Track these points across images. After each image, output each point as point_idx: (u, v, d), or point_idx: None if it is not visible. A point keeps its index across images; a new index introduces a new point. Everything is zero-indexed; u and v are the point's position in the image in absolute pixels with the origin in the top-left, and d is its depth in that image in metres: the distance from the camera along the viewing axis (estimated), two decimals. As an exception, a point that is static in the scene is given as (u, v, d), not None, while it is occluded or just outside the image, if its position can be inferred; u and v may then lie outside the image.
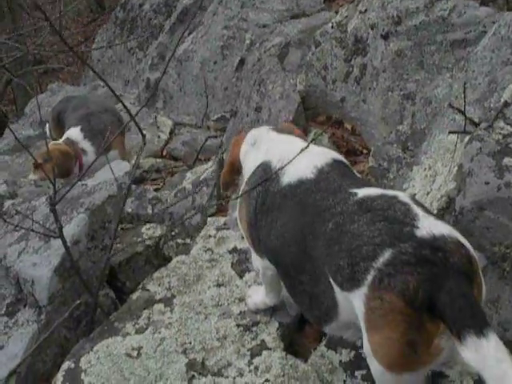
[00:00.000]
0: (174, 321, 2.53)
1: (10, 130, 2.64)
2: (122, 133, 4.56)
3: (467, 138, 2.42)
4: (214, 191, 3.77)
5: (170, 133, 5.79)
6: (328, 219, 1.84)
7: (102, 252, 2.86)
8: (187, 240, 3.19)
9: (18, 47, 3.93)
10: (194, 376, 2.29)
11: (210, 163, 4.18)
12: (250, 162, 2.40)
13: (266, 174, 2.17)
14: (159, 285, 2.76)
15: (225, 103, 5.62)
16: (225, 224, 3.12)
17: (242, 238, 2.81)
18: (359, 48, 3.97)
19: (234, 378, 2.28)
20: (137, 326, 2.53)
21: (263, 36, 5.44)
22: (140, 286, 2.79)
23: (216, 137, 5.26)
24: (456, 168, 2.36)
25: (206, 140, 5.07)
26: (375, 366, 1.70)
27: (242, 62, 5.55)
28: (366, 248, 1.66)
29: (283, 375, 2.26)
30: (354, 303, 1.70)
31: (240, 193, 2.36)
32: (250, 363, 2.32)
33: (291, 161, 2.04)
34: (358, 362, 2.27)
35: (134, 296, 2.73)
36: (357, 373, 2.25)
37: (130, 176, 2.55)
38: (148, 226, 3.30)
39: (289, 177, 2.09)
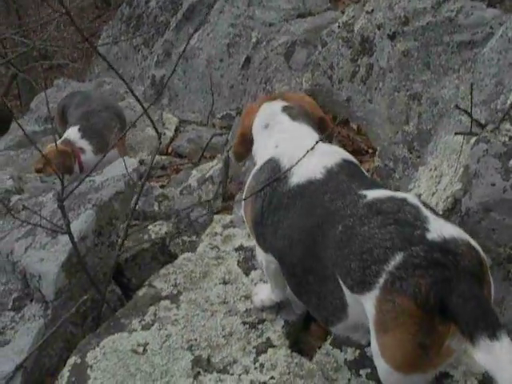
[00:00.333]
0: (180, 317, 2.54)
1: (19, 124, 2.64)
2: (122, 131, 4.62)
3: (473, 139, 2.42)
4: (219, 189, 3.78)
5: (176, 130, 5.80)
6: (337, 221, 1.84)
7: (108, 248, 2.87)
8: (193, 237, 3.20)
9: (24, 41, 3.95)
10: (199, 373, 2.29)
11: (215, 161, 4.19)
12: (260, 147, 2.39)
13: (274, 173, 2.17)
14: (165, 281, 2.76)
15: (230, 101, 5.63)
16: (231, 222, 3.13)
17: (249, 235, 2.82)
18: (366, 48, 3.97)
19: (240, 375, 2.28)
20: (143, 323, 2.54)
21: (269, 34, 5.45)
22: (146, 283, 2.79)
23: (221, 134, 5.26)
24: (462, 169, 2.36)
25: (212, 137, 5.07)
26: (384, 367, 1.71)
27: (248, 60, 5.56)
28: (377, 251, 1.67)
29: (288, 373, 2.26)
30: (364, 305, 1.70)
31: (246, 187, 2.36)
32: (255, 360, 2.33)
33: (299, 161, 2.04)
34: (363, 361, 2.27)
35: (141, 292, 2.74)
36: (362, 371, 2.26)
37: (144, 174, 2.55)
38: (154, 223, 3.30)
39: (298, 177, 2.08)
